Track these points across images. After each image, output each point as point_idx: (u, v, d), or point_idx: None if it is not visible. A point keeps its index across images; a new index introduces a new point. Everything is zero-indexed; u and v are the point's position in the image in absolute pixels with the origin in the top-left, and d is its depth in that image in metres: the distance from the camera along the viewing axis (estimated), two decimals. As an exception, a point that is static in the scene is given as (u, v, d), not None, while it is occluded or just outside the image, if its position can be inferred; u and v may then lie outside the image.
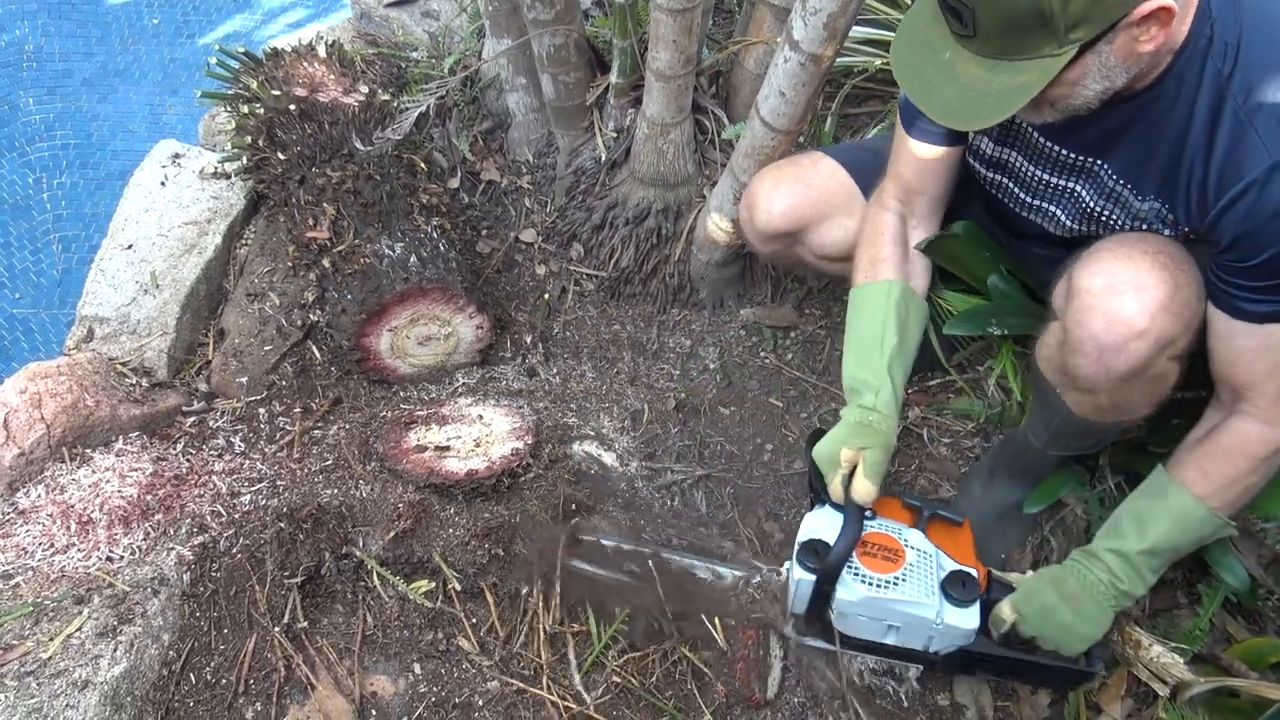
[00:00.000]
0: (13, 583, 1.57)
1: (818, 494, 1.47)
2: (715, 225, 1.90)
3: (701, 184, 2.04)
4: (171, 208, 2.19)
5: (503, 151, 2.37)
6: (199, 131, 2.52)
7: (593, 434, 1.91)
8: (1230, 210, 1.14)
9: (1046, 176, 1.38)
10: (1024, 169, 1.41)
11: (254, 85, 2.04)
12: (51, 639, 1.47)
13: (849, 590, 1.39)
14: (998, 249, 1.66)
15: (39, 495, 1.69)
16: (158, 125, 3.31)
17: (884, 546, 1.42)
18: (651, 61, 1.78)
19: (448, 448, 1.76)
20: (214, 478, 1.77)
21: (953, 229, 1.62)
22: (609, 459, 1.87)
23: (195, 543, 1.65)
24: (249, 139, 2.02)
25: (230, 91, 2.11)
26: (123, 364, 1.97)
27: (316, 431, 1.89)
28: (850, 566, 1.39)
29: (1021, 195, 1.45)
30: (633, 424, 1.96)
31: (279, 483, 1.77)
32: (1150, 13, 1.03)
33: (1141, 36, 1.06)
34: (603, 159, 2.11)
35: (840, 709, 1.56)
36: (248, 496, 1.74)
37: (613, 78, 2.01)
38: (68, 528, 1.64)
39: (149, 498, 1.70)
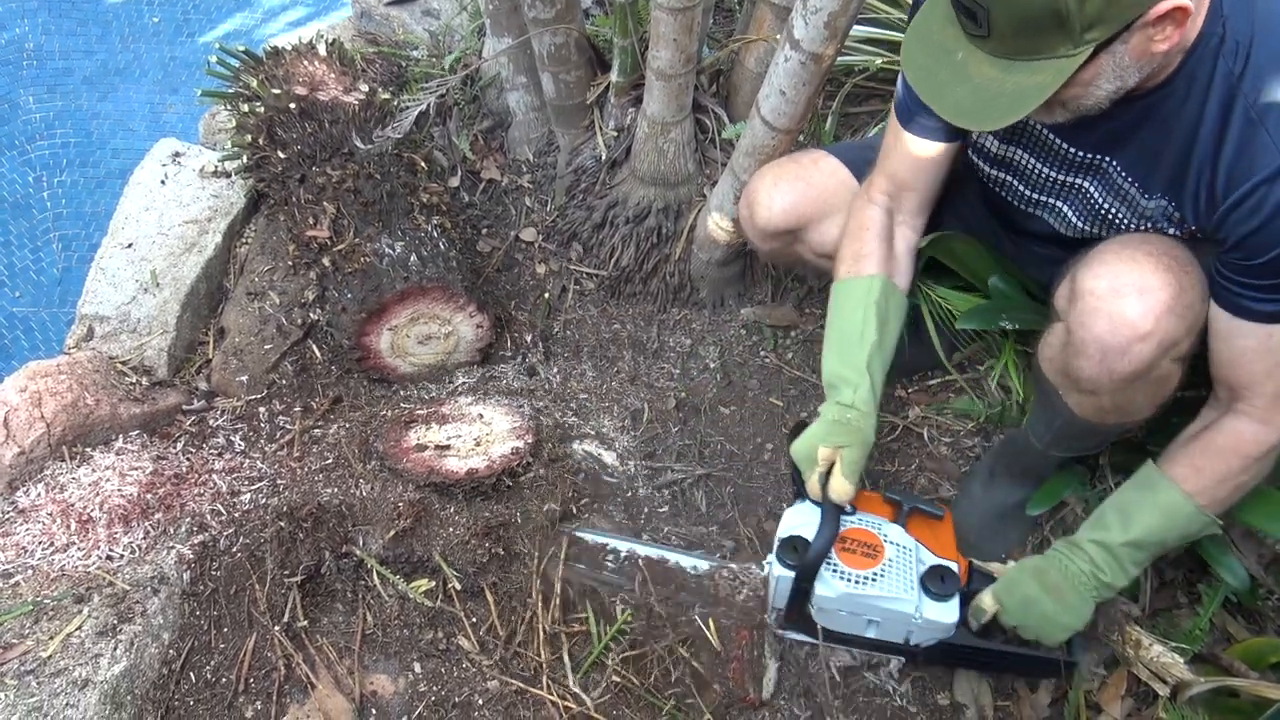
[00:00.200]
0: (12, 581, 1.57)
1: (799, 489, 1.48)
2: (716, 224, 1.90)
3: (702, 183, 2.03)
4: (172, 206, 2.19)
5: (503, 150, 2.37)
6: (199, 130, 2.52)
7: (593, 433, 1.91)
8: (1238, 209, 1.14)
9: (1055, 174, 1.38)
10: (1031, 166, 1.40)
11: (254, 84, 2.03)
12: (51, 638, 1.47)
13: (828, 587, 1.40)
14: (998, 249, 1.66)
15: (39, 494, 1.69)
16: (158, 124, 3.31)
17: (863, 542, 1.43)
18: (652, 60, 1.78)
19: (448, 447, 1.76)
20: (214, 476, 1.77)
21: (950, 233, 1.62)
22: (609, 458, 1.87)
23: (195, 541, 1.65)
24: (249, 137, 2.02)
25: (230, 90, 2.11)
26: (123, 363, 1.98)
27: (317, 430, 1.89)
28: (829, 563, 1.40)
29: (1027, 193, 1.45)
30: (633, 423, 1.96)
31: (279, 481, 1.77)
32: (1166, 12, 1.02)
33: (1156, 36, 1.06)
34: (603, 158, 2.10)
35: (839, 709, 1.56)
36: (248, 495, 1.74)
37: (613, 76, 2.01)
38: (68, 526, 1.64)
39: (149, 496, 1.70)
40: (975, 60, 1.11)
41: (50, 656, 1.45)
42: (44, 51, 3.47)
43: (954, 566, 1.44)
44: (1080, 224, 1.40)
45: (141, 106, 3.37)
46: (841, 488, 1.40)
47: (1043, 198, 1.43)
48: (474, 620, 1.62)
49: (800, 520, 1.47)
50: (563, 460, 1.79)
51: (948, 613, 1.41)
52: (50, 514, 1.65)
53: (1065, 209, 1.41)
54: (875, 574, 1.40)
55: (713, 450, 1.93)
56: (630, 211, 2.08)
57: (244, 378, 1.99)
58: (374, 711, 1.54)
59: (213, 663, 1.55)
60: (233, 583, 1.62)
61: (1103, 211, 1.35)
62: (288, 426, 1.90)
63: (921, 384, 1.98)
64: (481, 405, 1.88)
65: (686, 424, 1.97)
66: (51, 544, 1.62)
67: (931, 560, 1.44)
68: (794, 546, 1.42)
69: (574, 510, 1.75)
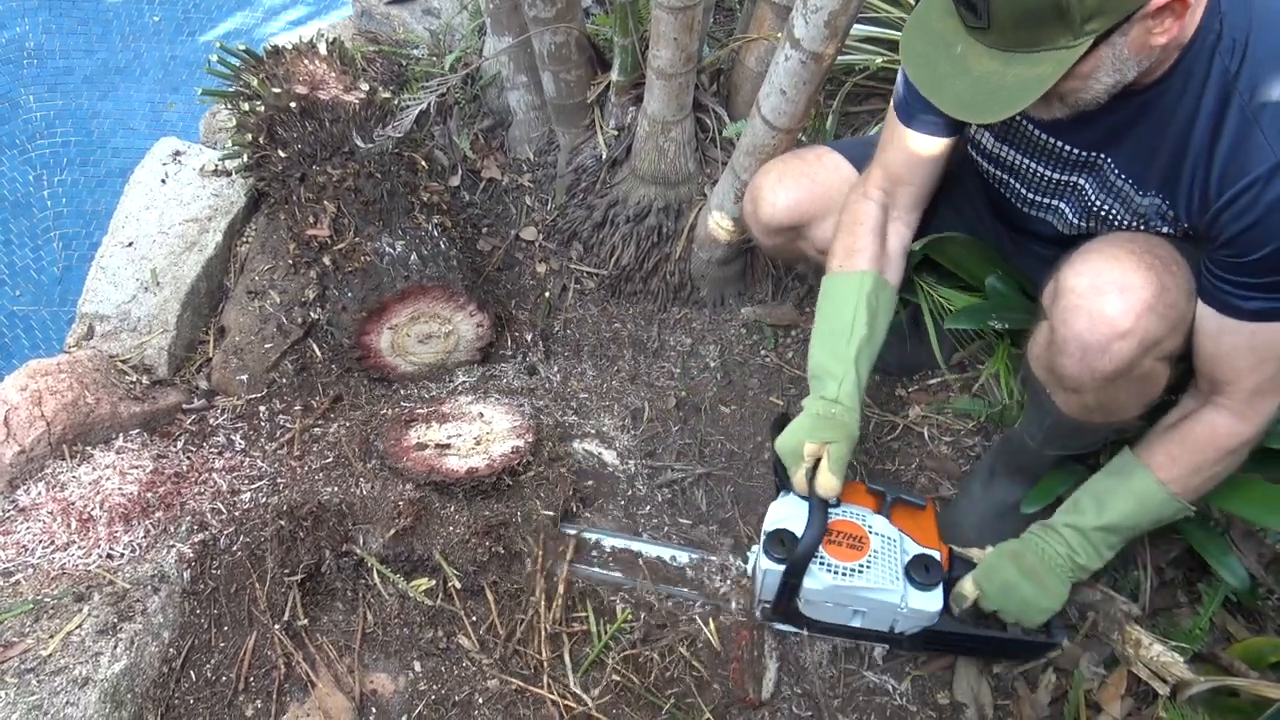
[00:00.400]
0: (13, 580, 1.57)
1: (782, 482, 1.49)
2: (716, 223, 1.90)
3: (702, 182, 2.03)
4: (172, 205, 2.19)
5: (503, 149, 2.37)
6: (200, 129, 2.53)
7: (593, 432, 1.91)
8: (1231, 206, 1.14)
9: (1050, 172, 1.37)
10: (1026, 166, 1.40)
11: (255, 83, 2.03)
12: (52, 636, 1.48)
13: (815, 580, 1.42)
14: (998, 249, 1.65)
15: (39, 492, 1.69)
16: (158, 122, 3.31)
17: (849, 534, 1.45)
18: (652, 59, 1.78)
19: (448, 445, 1.76)
20: (214, 475, 1.77)
21: (947, 235, 1.62)
22: (609, 457, 1.87)
23: (195, 540, 1.65)
24: (250, 136, 2.02)
25: (231, 89, 2.11)
26: (123, 361, 1.98)
27: (317, 429, 1.89)
28: (816, 556, 1.41)
29: (1026, 193, 1.45)
30: (633, 422, 1.96)
31: (279, 480, 1.77)
32: (1165, 4, 1.02)
33: (1155, 29, 1.06)
34: (604, 157, 2.10)
35: (839, 709, 1.56)
36: (248, 494, 1.74)
37: (614, 75, 2.01)
38: (68, 525, 1.64)
39: (149, 495, 1.70)
40: (975, 53, 1.10)
41: (51, 655, 1.45)
42: (44, 50, 3.47)
43: (936, 555, 1.46)
44: (1077, 221, 1.40)
45: (142, 105, 3.37)
46: (829, 483, 1.40)
47: (1042, 198, 1.43)
48: (474, 619, 1.62)
49: (786, 513, 1.48)
50: (563, 459, 1.79)
51: (932, 601, 1.43)
52: (51, 512, 1.65)
53: (1065, 208, 1.41)
54: (861, 566, 1.41)
55: (713, 449, 1.93)
56: (631, 210, 2.07)
57: (244, 376, 1.99)
58: (374, 710, 1.54)
59: (213, 661, 1.55)
60: (233, 581, 1.62)
61: (1097, 208, 1.35)
62: (288, 425, 1.90)
63: (922, 383, 1.98)
64: (482, 404, 1.88)
65: (687, 423, 1.97)
66: (52, 542, 1.62)
67: (915, 550, 1.46)
68: (781, 540, 1.43)
69: (574, 509, 1.75)
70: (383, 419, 1.86)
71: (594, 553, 1.69)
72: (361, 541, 1.64)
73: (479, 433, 1.80)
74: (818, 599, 1.45)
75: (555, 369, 2.08)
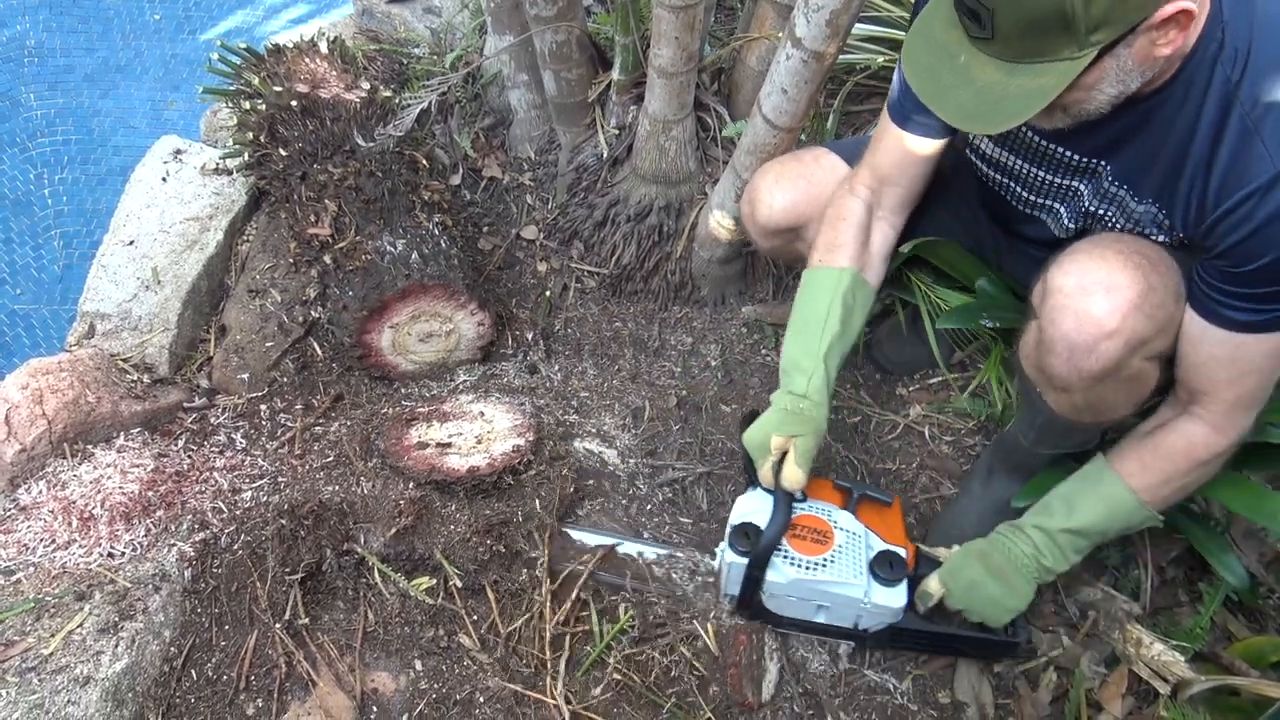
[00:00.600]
0: (14, 579, 1.57)
1: (750, 476, 1.50)
2: (717, 223, 1.90)
3: (703, 181, 2.03)
4: (173, 204, 2.19)
5: (504, 148, 2.36)
6: (200, 127, 2.52)
7: (594, 431, 1.91)
8: (1228, 218, 1.13)
9: (1049, 176, 1.37)
10: (1025, 170, 1.40)
11: (256, 81, 2.03)
12: (53, 635, 1.48)
13: (778, 573, 1.43)
14: (991, 251, 1.66)
15: (40, 491, 1.69)
16: (159, 121, 3.32)
17: (813, 529, 1.46)
18: (653, 58, 1.78)
19: (449, 444, 1.76)
20: (215, 474, 1.78)
21: (935, 239, 1.62)
22: (610, 456, 1.87)
23: (196, 539, 1.65)
24: (251, 135, 2.01)
25: (232, 87, 2.11)
26: (124, 360, 1.98)
27: (318, 428, 1.90)
28: (780, 549, 1.42)
29: (1024, 194, 1.44)
30: (634, 421, 1.96)
31: (280, 479, 1.77)
32: (1171, 15, 1.02)
33: (1160, 40, 1.05)
34: (604, 156, 2.10)
35: (840, 708, 1.56)
36: (249, 493, 1.74)
37: (615, 74, 2.01)
38: (69, 524, 1.64)
39: (150, 494, 1.70)
40: (978, 63, 1.10)
41: (52, 654, 1.45)
42: (45, 48, 3.47)
43: (902, 552, 1.46)
44: (1072, 224, 1.40)
45: (143, 104, 3.37)
46: (794, 476, 1.41)
47: (1040, 199, 1.43)
48: (475, 618, 1.62)
49: (752, 507, 1.49)
50: (564, 458, 1.79)
51: (895, 597, 1.44)
52: (52, 511, 1.66)
53: (1062, 210, 1.41)
54: (825, 560, 1.42)
55: (714, 448, 1.93)
56: (631, 209, 2.07)
57: (245, 375, 1.99)
58: (375, 709, 1.54)
59: (214, 660, 1.56)
60: (234, 580, 1.62)
61: (1093, 212, 1.35)
62: (289, 424, 1.90)
63: (922, 383, 1.98)
64: (483, 403, 1.88)
65: (688, 422, 1.97)
66: (53, 541, 1.62)
67: (880, 546, 1.47)
68: (746, 533, 1.44)
69: (575, 508, 1.75)
70: (384, 418, 1.86)
71: (594, 552, 1.68)
72: (362, 540, 1.64)
73: (480, 431, 1.80)
74: (781, 593, 1.46)
75: (556, 368, 2.08)
